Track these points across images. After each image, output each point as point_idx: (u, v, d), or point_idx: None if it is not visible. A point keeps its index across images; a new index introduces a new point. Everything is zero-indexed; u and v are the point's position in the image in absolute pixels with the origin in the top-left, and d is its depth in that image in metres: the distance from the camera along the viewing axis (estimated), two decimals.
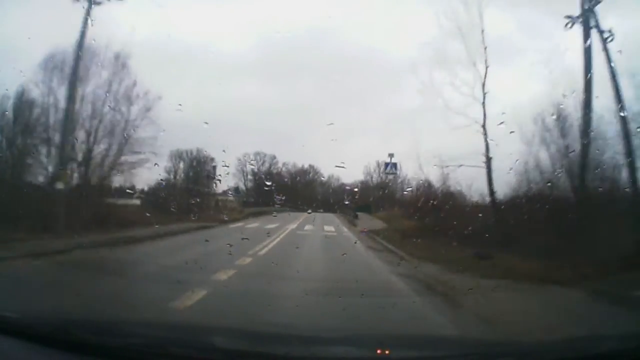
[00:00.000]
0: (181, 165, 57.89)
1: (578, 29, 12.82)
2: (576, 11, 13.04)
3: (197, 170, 57.29)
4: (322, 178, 61.17)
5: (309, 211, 35.11)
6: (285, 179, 57.57)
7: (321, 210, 38.94)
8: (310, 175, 62.97)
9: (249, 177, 59.81)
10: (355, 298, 5.85)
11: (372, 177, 62.08)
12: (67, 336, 2.00)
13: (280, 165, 59.41)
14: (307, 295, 6.04)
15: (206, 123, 8.73)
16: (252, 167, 57.47)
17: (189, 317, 4.94)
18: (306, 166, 60.04)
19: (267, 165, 59.12)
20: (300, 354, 2.00)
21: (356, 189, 46.34)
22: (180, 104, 9.24)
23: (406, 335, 3.03)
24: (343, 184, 52.54)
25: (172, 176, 56.40)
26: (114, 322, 2.57)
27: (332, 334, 2.62)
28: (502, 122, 9.02)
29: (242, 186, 57.37)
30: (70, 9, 14.20)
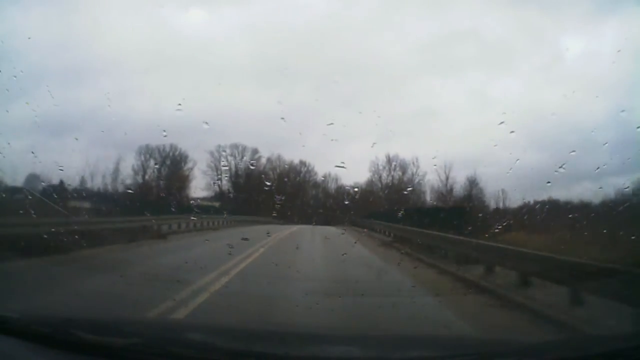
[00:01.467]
0: (151, 163, 45.79)
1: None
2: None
3: (171, 170, 45.75)
4: (320, 177, 48.39)
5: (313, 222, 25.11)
6: (269, 182, 43.97)
7: (314, 223, 27.09)
8: (302, 174, 51.07)
9: (225, 176, 48.86)
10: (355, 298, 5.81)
11: (380, 177, 47.79)
12: (67, 336, 2.00)
13: (263, 160, 48.04)
14: None
15: (206, 123, 8.72)
16: (226, 164, 46.53)
17: (189, 317, 4.94)
18: (296, 162, 48.79)
19: (246, 160, 48.08)
20: (300, 354, 2.00)
21: (356, 189, 37.68)
22: (180, 104, 9.19)
23: (406, 335, 3.02)
24: (343, 186, 42.95)
25: (140, 176, 45.04)
26: (114, 322, 2.56)
27: (332, 334, 2.61)
28: (502, 122, 8.91)
29: (215, 188, 48.00)
30: None
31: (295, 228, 22.32)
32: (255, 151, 48.71)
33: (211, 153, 46.38)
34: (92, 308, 4.95)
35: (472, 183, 31.67)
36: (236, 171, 48.95)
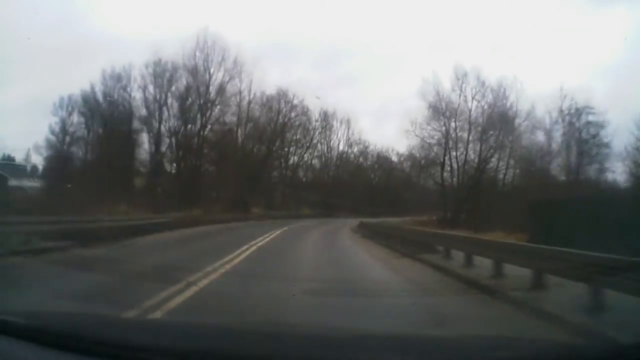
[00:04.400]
0: (74, 119, 27.59)
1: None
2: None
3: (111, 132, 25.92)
4: (315, 123, 28.32)
5: None
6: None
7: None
8: (282, 115, 29.10)
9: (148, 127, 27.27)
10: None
11: (444, 112, 23.29)
12: (66, 336, 2.00)
13: (213, 97, 26.40)
14: None
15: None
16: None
17: (189, 318, 4.94)
18: (270, 92, 28.97)
19: (179, 91, 26.45)
20: (299, 355, 1.99)
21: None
22: None
23: (406, 335, 3.01)
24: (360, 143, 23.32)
25: (57, 139, 26.70)
26: (114, 322, 2.56)
27: (331, 334, 2.60)
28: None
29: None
30: None
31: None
32: (193, 72, 26.00)
33: (117, 78, 26.25)
34: None
35: None
36: (160, 115, 26.33)
